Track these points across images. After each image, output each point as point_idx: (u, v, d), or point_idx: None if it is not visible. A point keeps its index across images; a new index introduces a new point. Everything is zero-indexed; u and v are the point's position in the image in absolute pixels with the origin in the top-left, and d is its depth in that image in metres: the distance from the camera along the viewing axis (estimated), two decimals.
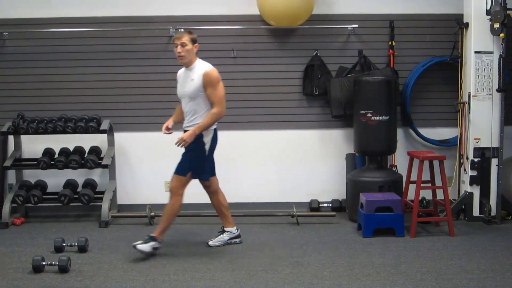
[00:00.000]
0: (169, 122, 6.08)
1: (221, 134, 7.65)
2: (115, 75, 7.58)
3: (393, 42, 7.48)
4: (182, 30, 5.61)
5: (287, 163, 7.69)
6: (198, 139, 5.71)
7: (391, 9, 7.54)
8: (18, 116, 7.32)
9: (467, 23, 6.84)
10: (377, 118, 6.83)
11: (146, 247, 5.66)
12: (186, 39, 5.65)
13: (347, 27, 7.47)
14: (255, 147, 7.68)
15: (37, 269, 5.23)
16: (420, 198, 6.70)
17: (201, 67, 5.74)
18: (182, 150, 5.81)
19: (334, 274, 5.13)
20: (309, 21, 7.33)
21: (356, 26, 7.44)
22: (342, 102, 7.27)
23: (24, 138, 7.47)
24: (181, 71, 5.93)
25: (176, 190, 5.82)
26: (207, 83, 5.67)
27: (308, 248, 5.97)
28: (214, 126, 5.84)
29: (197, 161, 5.81)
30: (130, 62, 7.56)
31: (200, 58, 7.64)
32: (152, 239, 5.71)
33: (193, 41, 5.72)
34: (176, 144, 5.72)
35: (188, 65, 5.76)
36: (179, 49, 5.65)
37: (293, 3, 7.05)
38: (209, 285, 4.92)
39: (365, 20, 7.49)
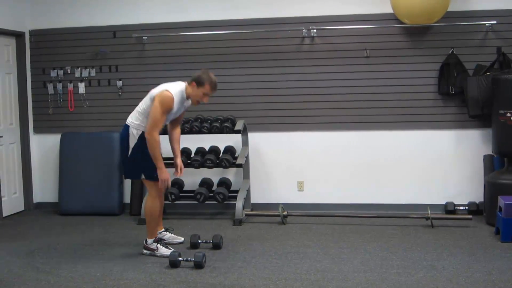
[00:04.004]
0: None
1: (355, 135, 7.61)
2: (249, 76, 7.74)
3: None
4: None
5: (421, 164, 7.53)
6: None
7: None
8: None
9: None
10: None
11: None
12: None
13: (485, 24, 7.20)
14: (388, 147, 7.57)
15: (174, 264, 5.42)
16: None
17: None
18: None
19: (470, 280, 4.97)
20: (444, 18, 7.14)
21: (495, 22, 7.16)
22: (480, 101, 7.03)
23: (162, 138, 7.73)
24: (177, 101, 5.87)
25: None
26: None
27: (443, 251, 5.83)
28: None
29: None
30: (263, 63, 7.69)
31: (331, 58, 7.68)
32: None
33: None
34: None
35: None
36: (206, 99, 5.83)
37: (428, 0, 6.90)
38: (341, 286, 4.90)
39: (504, 16, 7.20)
